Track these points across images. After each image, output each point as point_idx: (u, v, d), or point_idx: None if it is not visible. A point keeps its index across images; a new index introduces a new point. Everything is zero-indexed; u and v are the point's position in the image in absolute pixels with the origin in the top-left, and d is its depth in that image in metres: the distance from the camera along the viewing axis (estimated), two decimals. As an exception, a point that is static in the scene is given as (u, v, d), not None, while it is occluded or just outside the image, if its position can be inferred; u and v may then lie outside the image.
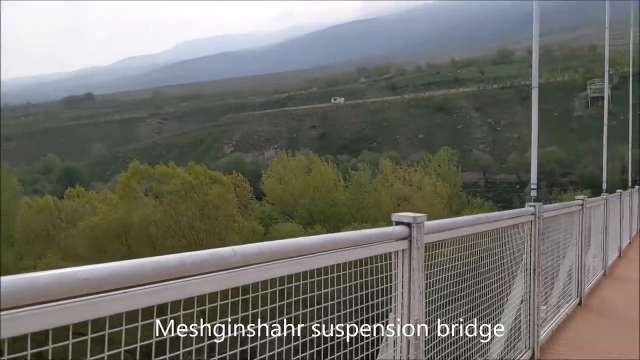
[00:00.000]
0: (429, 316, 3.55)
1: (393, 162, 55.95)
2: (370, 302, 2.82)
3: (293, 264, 2.13)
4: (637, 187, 21.14)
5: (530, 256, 5.66)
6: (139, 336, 1.55)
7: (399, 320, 3.00)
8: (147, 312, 1.61)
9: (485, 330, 4.67)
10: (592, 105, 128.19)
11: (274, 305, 2.09)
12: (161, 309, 1.66)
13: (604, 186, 13.16)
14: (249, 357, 1.98)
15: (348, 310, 2.59)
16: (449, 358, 3.90)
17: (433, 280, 3.69)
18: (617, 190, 14.40)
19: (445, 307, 3.98)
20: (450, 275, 4.02)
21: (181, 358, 1.68)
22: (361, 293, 2.70)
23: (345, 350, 2.69)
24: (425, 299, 3.48)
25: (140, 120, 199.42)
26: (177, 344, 1.71)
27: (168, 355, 1.66)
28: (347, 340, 2.62)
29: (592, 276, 9.70)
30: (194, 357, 1.74)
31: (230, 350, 1.89)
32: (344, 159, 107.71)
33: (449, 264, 3.97)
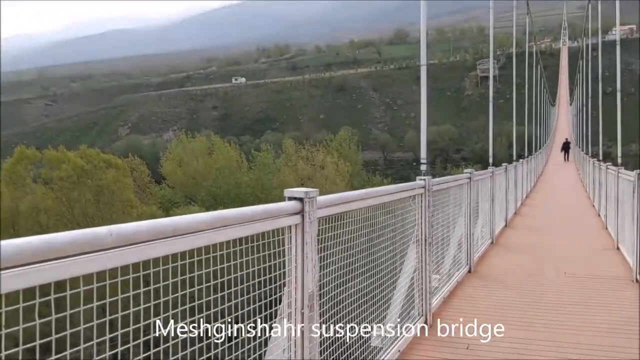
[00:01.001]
0: (323, 288, 3.62)
1: (296, 143, 56.30)
2: (264, 277, 2.82)
3: (176, 243, 2.07)
4: (521, 160, 22.70)
5: (422, 227, 5.91)
6: (2, 322, 1.45)
7: (293, 294, 3.03)
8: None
9: (380, 300, 4.85)
10: (481, 85, 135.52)
11: (158, 285, 2.03)
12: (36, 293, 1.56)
13: (490, 160, 14.05)
14: (131, 339, 1.92)
15: (239, 287, 2.57)
16: (345, 328, 4.00)
17: (329, 253, 3.77)
18: (503, 164, 15.37)
19: (342, 278, 4.08)
20: (346, 247, 4.12)
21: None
22: (253, 269, 2.69)
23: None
24: (320, 271, 3.55)
25: (25, 102, 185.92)
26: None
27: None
28: (239, 317, 2.61)
29: (480, 245, 10.32)
30: (68, 342, 1.65)
31: (110, 334, 1.82)
32: (247, 139, 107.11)
33: (345, 236, 4.06)
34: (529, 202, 21.32)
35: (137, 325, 1.96)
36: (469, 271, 8.65)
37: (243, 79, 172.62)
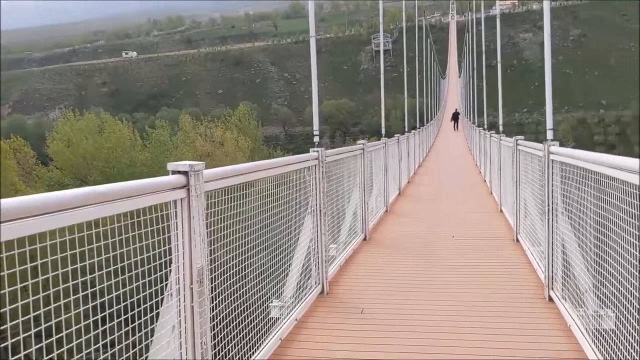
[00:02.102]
0: (215, 263, 3.58)
1: (193, 119, 54.87)
2: (147, 254, 2.73)
3: (43, 221, 1.95)
4: (413, 131, 23.61)
5: (316, 198, 5.99)
6: None
7: (181, 270, 2.96)
8: None
9: (277, 270, 4.88)
10: (376, 58, 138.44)
11: (25, 266, 1.90)
12: None
13: (383, 132, 14.55)
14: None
15: (119, 265, 2.47)
16: (241, 300, 3.99)
17: (221, 226, 3.72)
18: (396, 135, 15.89)
19: (237, 250, 4.05)
20: (242, 219, 4.09)
21: None
22: (134, 246, 2.60)
23: (126, 303, 2.59)
24: (213, 245, 3.50)
25: None
26: None
27: None
28: (121, 295, 2.52)
29: (375, 213, 10.66)
30: None
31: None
32: (141, 116, 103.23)
33: (241, 208, 4.02)
34: (422, 171, 22.28)
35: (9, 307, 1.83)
36: (364, 239, 8.92)
37: (134, 53, 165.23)
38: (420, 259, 7.80)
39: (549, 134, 6.06)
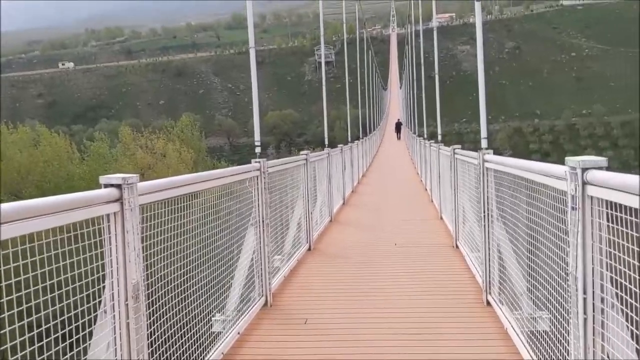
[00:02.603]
0: (153, 277, 3.50)
1: (134, 130, 53.54)
2: (79, 271, 2.64)
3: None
4: (356, 141, 23.88)
5: (259, 209, 5.95)
6: None
7: (115, 285, 2.88)
8: None
9: (219, 282, 4.80)
10: (319, 70, 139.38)
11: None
12: None
13: (326, 142, 14.69)
14: None
15: (49, 282, 2.38)
16: (181, 315, 3.91)
17: (160, 239, 3.63)
18: (339, 145, 16.04)
19: (177, 264, 3.96)
20: (180, 232, 4.01)
21: None
22: (64, 263, 2.51)
23: (56, 322, 2.49)
24: (150, 259, 3.42)
25: None
26: None
27: None
28: (50, 313, 2.43)
29: (320, 223, 10.69)
30: None
31: None
32: (80, 129, 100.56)
33: (180, 220, 3.94)
34: (365, 180, 22.55)
35: None
36: (309, 249, 8.92)
37: (71, 64, 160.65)
38: (364, 267, 7.87)
39: (483, 143, 6.26)
